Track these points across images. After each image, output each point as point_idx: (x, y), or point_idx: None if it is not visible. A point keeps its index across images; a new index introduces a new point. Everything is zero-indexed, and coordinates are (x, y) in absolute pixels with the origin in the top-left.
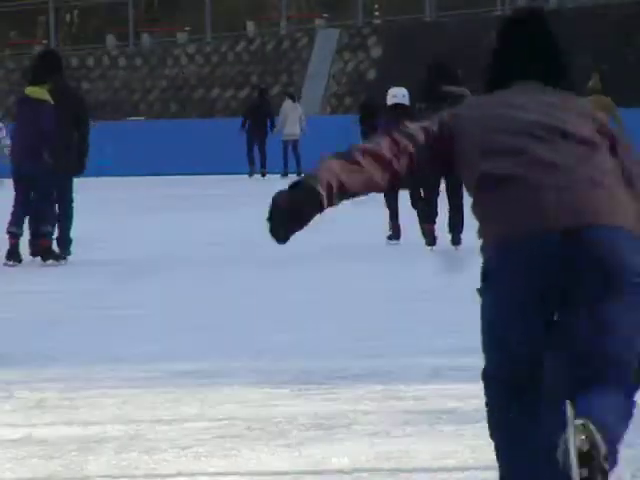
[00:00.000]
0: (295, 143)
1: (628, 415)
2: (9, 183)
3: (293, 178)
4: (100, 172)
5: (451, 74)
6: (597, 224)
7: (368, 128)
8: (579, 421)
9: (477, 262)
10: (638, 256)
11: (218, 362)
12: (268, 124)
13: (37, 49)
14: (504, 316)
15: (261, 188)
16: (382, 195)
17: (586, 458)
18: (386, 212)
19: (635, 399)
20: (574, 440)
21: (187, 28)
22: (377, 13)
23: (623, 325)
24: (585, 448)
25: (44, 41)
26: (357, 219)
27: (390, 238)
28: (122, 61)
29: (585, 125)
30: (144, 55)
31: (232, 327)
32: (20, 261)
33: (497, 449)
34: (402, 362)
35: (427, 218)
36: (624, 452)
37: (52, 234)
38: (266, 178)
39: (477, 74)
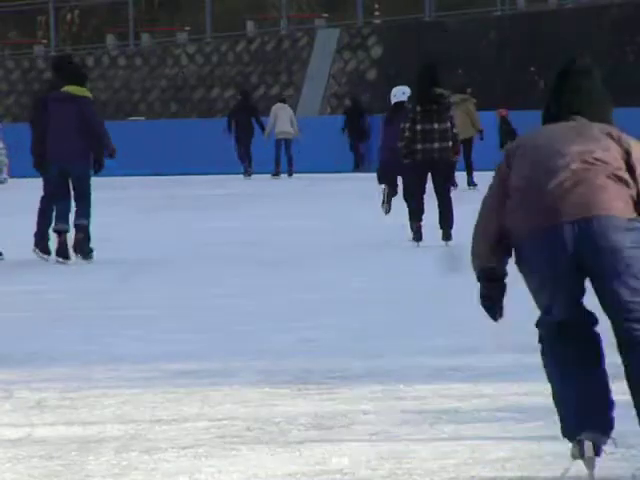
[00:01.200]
0: (288, 142)
1: None
2: (12, 182)
3: (284, 178)
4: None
5: (439, 76)
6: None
7: (353, 130)
8: None
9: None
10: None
11: (218, 362)
12: (254, 125)
13: (37, 49)
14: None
15: (261, 188)
16: (381, 195)
17: None
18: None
19: None
20: None
21: (187, 28)
22: (377, 13)
23: None
24: None
25: (44, 41)
26: (357, 219)
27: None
28: (122, 61)
29: (597, 146)
30: (144, 55)
31: (232, 327)
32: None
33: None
34: (402, 362)
35: (414, 216)
36: (624, 452)
37: (69, 231)
38: (252, 178)
39: (477, 74)
